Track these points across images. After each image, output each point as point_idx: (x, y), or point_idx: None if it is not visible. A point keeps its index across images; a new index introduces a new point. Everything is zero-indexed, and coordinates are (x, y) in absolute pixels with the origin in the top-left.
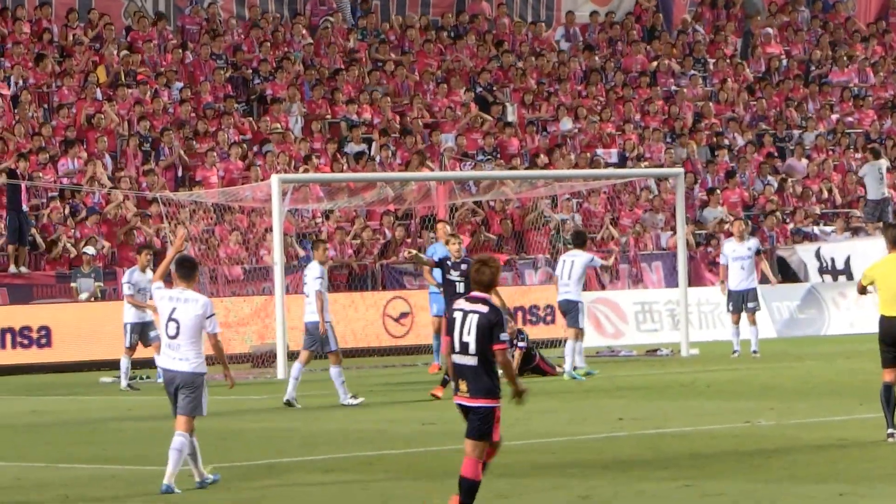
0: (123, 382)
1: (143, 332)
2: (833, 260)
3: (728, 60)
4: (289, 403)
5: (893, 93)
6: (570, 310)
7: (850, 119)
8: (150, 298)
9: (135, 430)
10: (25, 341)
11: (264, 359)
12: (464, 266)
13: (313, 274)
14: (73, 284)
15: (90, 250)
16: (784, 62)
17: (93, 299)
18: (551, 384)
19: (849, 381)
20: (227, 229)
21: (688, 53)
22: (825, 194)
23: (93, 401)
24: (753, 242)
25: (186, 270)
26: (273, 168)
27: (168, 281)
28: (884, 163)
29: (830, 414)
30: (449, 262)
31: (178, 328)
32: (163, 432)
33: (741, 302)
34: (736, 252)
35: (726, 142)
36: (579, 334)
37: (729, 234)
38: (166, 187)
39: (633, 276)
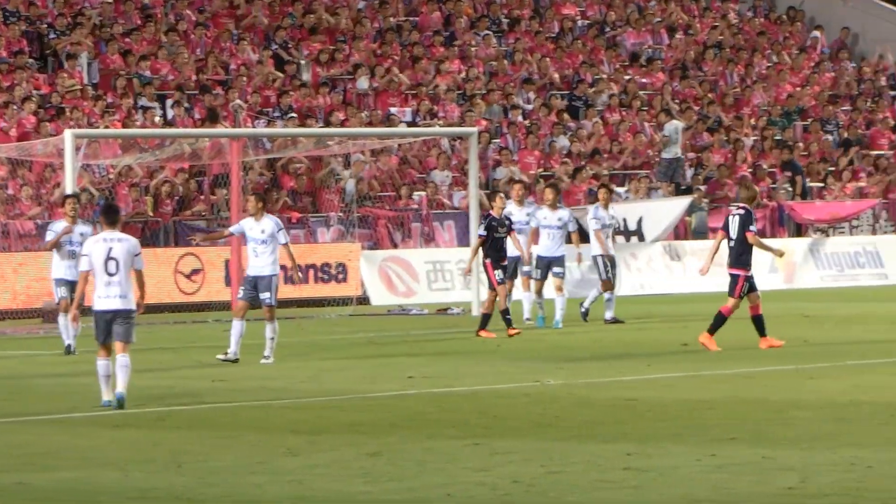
0: (66, 341)
1: (72, 288)
2: (625, 220)
3: (525, 22)
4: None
5: (691, 54)
6: None
7: (643, 80)
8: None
9: None
10: None
11: (55, 314)
12: (507, 222)
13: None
14: None
15: None
16: (579, 23)
17: None
18: (333, 340)
19: (638, 342)
20: (20, 184)
21: (483, 14)
22: (617, 155)
23: None
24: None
25: (113, 216)
26: (66, 123)
27: None
28: (679, 123)
29: (619, 374)
30: (495, 221)
31: (117, 265)
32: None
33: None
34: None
35: (520, 102)
36: None
37: (595, 200)
38: None
39: (425, 234)
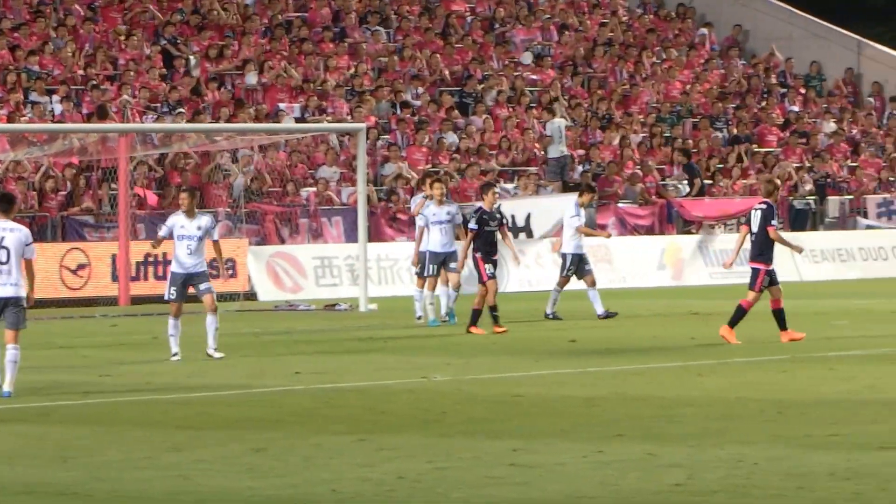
0: None
1: None
2: (514, 217)
3: (414, 18)
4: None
5: (581, 51)
6: None
7: (533, 77)
8: None
9: None
10: None
11: None
12: (498, 216)
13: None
14: None
15: None
16: (468, 19)
17: None
18: (220, 335)
19: (525, 339)
20: None
21: (373, 10)
22: (506, 152)
23: None
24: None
25: (6, 205)
26: None
27: None
28: (562, 121)
29: (506, 370)
30: (486, 215)
31: (8, 254)
32: None
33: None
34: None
35: (409, 98)
36: None
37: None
38: None
39: (313, 230)
